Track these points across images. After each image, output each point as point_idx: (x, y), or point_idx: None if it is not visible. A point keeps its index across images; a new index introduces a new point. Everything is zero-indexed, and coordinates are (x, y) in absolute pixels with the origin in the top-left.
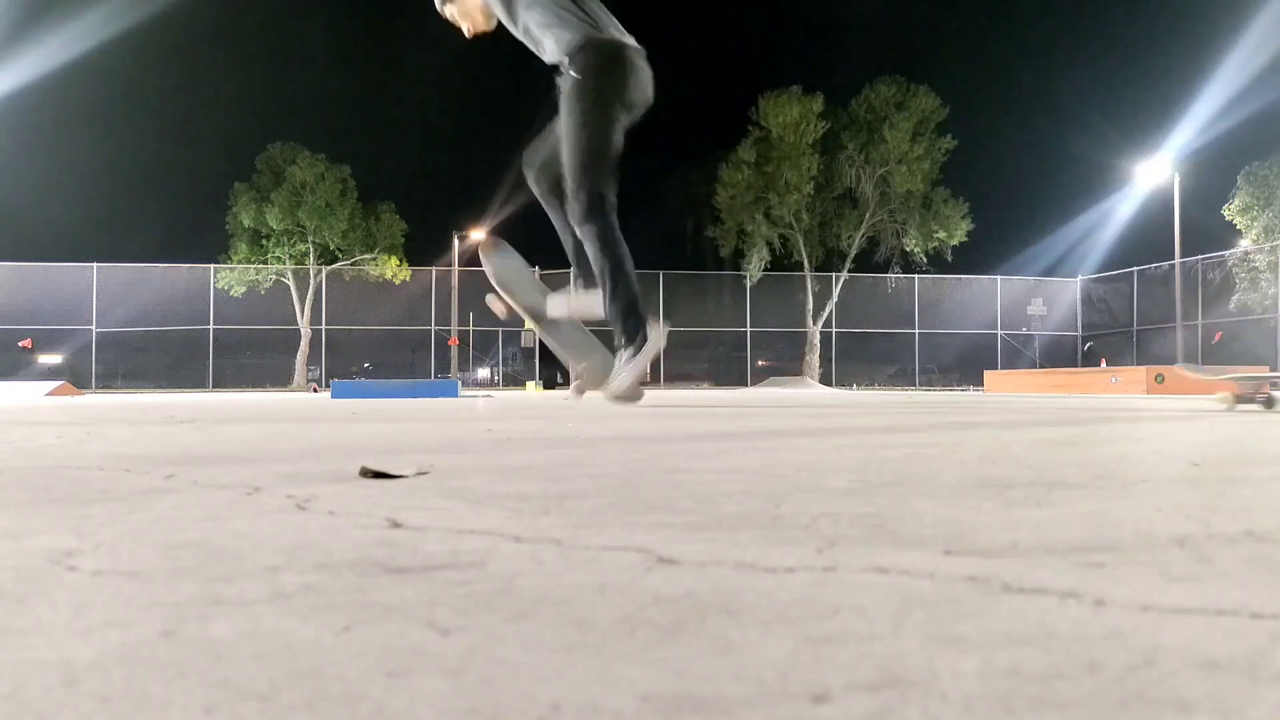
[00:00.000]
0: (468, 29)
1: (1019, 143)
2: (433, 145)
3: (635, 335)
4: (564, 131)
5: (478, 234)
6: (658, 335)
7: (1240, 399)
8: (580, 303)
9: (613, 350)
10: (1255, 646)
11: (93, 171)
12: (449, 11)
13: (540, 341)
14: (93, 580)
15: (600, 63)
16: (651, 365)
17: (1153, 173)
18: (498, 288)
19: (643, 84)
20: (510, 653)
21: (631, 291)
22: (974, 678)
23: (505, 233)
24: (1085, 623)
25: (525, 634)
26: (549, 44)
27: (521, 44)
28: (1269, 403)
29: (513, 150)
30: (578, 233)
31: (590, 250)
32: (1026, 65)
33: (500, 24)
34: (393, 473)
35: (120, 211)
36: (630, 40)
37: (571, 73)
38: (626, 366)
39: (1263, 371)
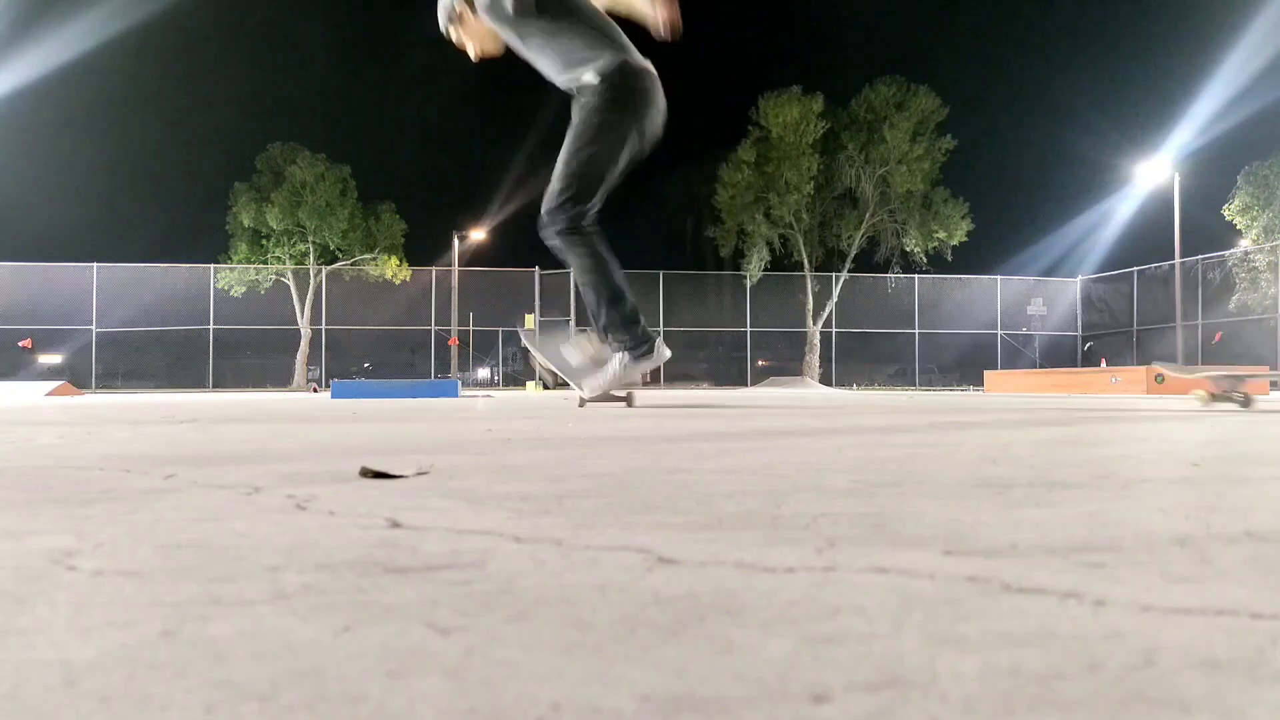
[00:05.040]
0: (474, 52)
1: (1019, 143)
2: (433, 145)
3: (642, 342)
4: (567, 148)
5: (478, 234)
6: (662, 353)
7: (1216, 397)
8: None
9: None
10: (1255, 646)
11: (93, 171)
12: (454, 34)
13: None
14: (93, 580)
15: (627, 90)
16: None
17: (1153, 173)
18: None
19: (657, 118)
20: (510, 653)
21: (627, 300)
22: (974, 678)
23: (505, 233)
24: (1085, 623)
25: (525, 634)
26: (560, 68)
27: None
28: (1245, 401)
29: (513, 150)
30: (550, 245)
31: (573, 262)
32: (1026, 65)
33: (507, 47)
34: (393, 473)
35: (120, 211)
36: (649, 66)
37: (595, 90)
38: (623, 368)
39: (1246, 370)
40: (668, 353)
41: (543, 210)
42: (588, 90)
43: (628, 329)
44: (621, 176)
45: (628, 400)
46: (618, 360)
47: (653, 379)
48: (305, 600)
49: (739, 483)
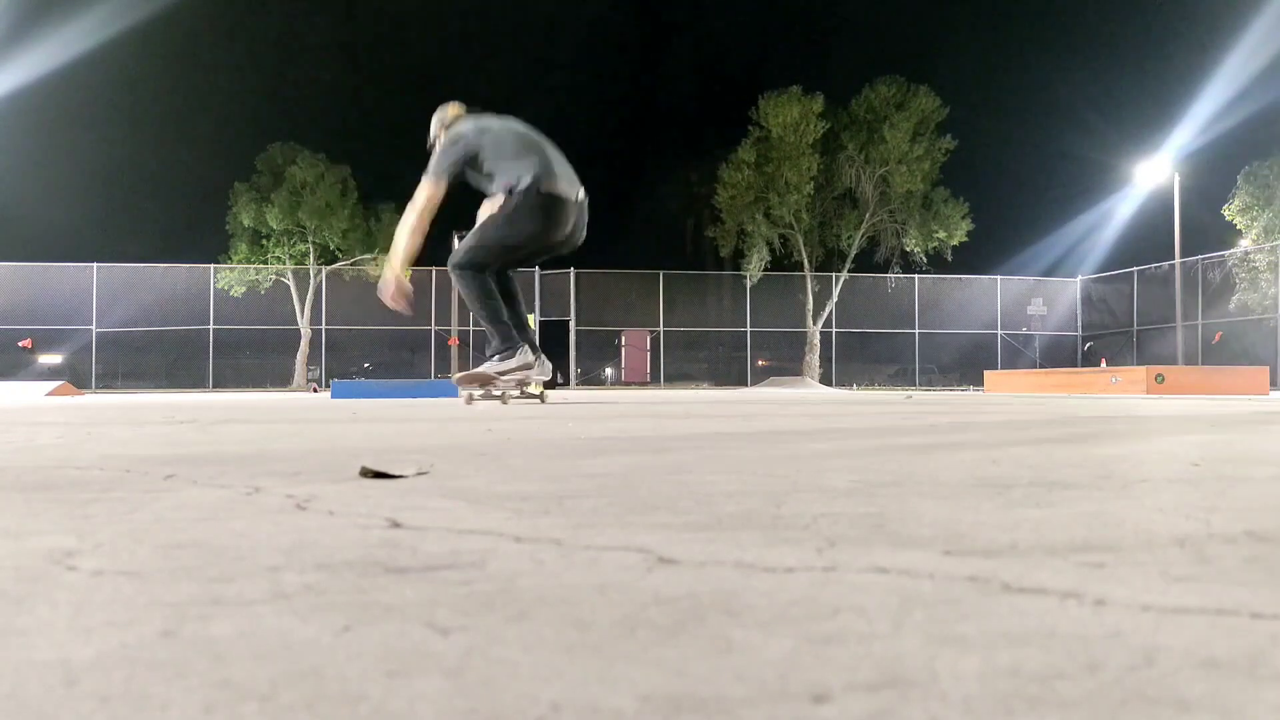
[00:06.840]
0: (406, 305)
1: (1019, 143)
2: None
3: (505, 348)
4: (477, 229)
5: None
6: (533, 366)
7: None
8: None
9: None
10: (1255, 646)
11: (93, 171)
12: (388, 296)
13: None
14: (93, 580)
15: (532, 206)
16: (652, 363)
17: (1153, 173)
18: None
19: (565, 232)
20: (510, 653)
21: (501, 321)
22: (974, 678)
23: None
24: (1085, 623)
25: (525, 634)
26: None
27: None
28: None
29: None
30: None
31: (464, 292)
32: (1026, 65)
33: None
34: (393, 473)
35: (120, 211)
36: (573, 194)
37: (513, 197)
38: (488, 363)
39: None
40: (535, 360)
41: (450, 260)
42: (506, 196)
43: (498, 339)
44: (533, 258)
45: (541, 398)
46: (492, 360)
47: (653, 379)
48: (305, 600)
49: (739, 482)
